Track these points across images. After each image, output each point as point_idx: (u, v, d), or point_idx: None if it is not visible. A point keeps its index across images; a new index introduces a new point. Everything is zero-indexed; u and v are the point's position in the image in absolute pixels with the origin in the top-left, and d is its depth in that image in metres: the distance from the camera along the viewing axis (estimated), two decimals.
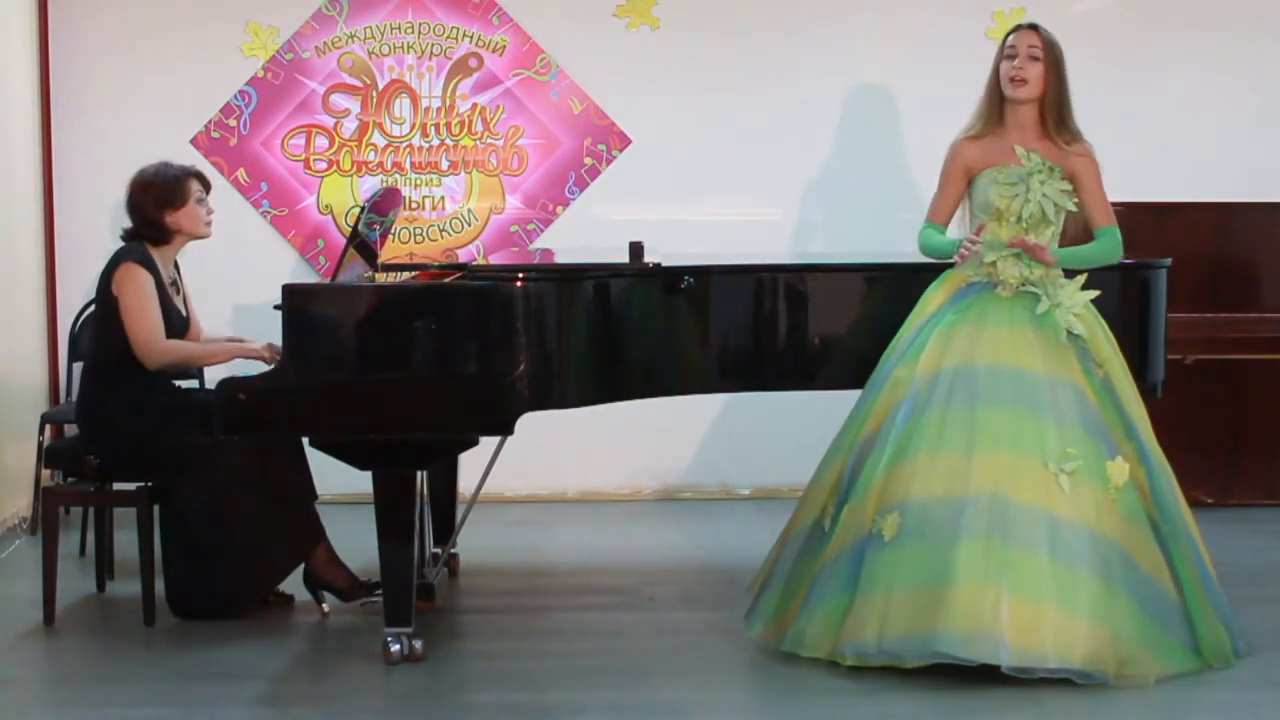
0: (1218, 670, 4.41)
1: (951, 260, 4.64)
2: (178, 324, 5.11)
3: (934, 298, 4.68)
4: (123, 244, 5.12)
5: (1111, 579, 4.28)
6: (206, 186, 5.20)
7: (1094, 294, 4.59)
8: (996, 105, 4.68)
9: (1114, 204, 6.73)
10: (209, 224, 5.18)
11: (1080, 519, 4.30)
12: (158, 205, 5.07)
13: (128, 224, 5.14)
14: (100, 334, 5.13)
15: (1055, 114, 4.64)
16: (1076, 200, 4.64)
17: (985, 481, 4.30)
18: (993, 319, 4.53)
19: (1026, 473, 4.32)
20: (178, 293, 5.19)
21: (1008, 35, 4.70)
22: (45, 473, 5.86)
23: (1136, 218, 6.56)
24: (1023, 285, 4.57)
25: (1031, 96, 4.63)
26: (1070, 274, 4.64)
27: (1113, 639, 4.24)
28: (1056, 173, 4.61)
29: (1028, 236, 4.56)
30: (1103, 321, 4.63)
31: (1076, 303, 4.56)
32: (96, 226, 6.73)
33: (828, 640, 4.38)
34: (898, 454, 4.43)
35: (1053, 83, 4.63)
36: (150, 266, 5.03)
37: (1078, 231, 4.72)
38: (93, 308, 6.38)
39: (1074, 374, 4.49)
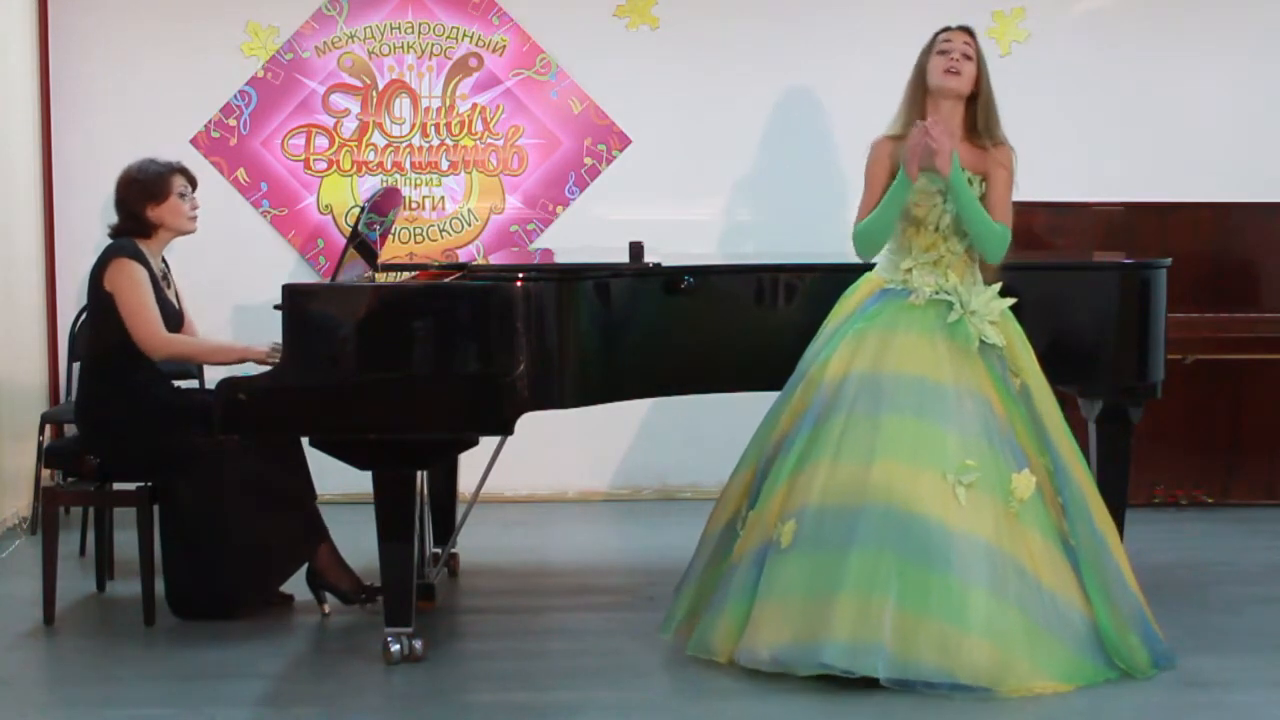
0: (1139, 680, 4.35)
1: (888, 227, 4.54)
2: (172, 317, 5.10)
3: (849, 302, 4.62)
4: (109, 238, 5.12)
5: (1004, 594, 4.21)
6: (192, 182, 5.18)
7: (1009, 302, 4.51)
8: (920, 104, 4.60)
9: (1114, 204, 6.77)
10: (194, 219, 5.16)
11: (975, 532, 4.24)
12: (140, 199, 5.07)
13: (115, 221, 5.14)
14: (96, 333, 5.11)
15: (985, 116, 4.57)
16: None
17: (881, 491, 4.26)
18: (903, 326, 4.46)
19: (924, 484, 4.26)
20: (169, 286, 5.19)
21: (938, 34, 4.62)
22: (45, 473, 5.86)
23: (1136, 218, 6.59)
24: (936, 293, 4.50)
25: (963, 91, 4.55)
26: (987, 279, 4.56)
27: (1001, 653, 4.17)
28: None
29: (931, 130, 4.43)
30: (1020, 331, 4.55)
31: (991, 311, 4.47)
32: (96, 227, 6.70)
33: (729, 646, 4.37)
34: (801, 460, 4.41)
35: (984, 86, 4.58)
36: (140, 259, 5.02)
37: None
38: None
39: (983, 385, 4.42)
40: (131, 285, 4.96)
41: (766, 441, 4.58)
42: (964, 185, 4.47)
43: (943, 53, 4.57)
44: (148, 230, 5.09)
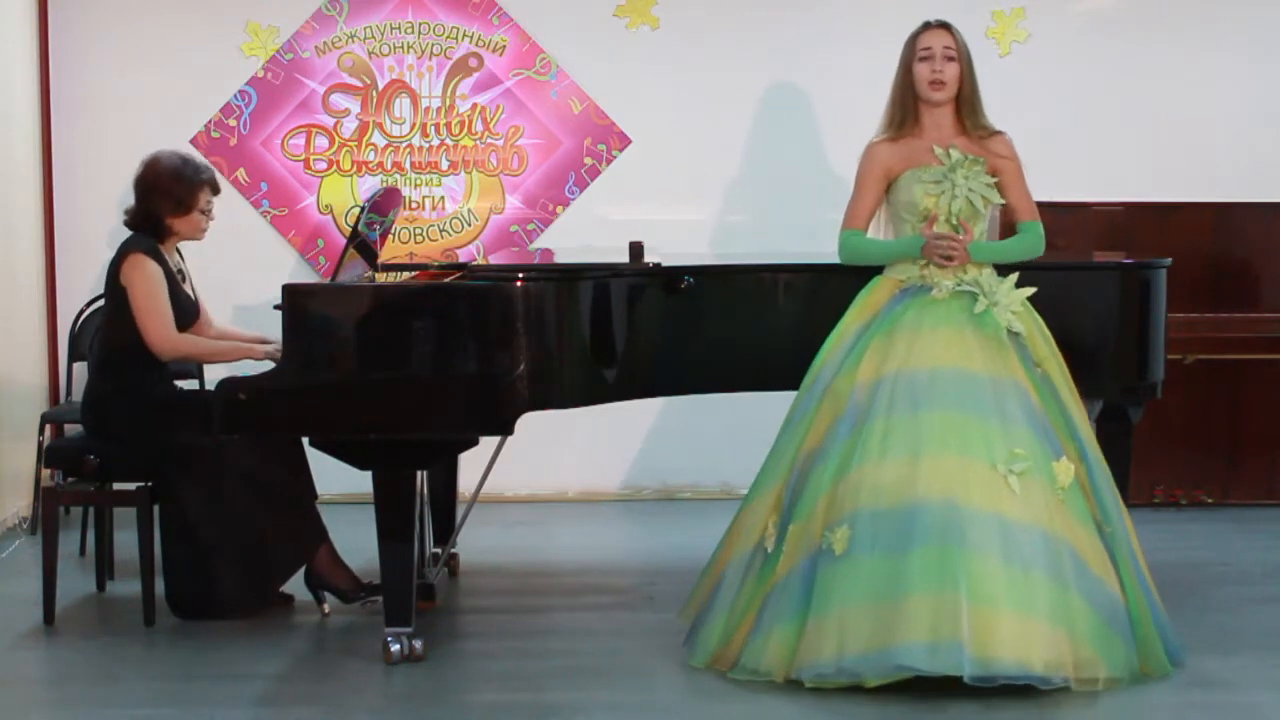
0: (1156, 679, 4.33)
1: (887, 263, 4.59)
2: (190, 311, 5.13)
3: (867, 304, 4.57)
4: (125, 226, 5.13)
5: (1065, 581, 4.19)
6: (216, 193, 5.22)
7: (1029, 291, 4.50)
8: (912, 107, 4.59)
9: (1115, 204, 6.77)
10: (205, 230, 5.20)
11: (1032, 520, 4.21)
12: (164, 204, 5.09)
13: (128, 217, 5.14)
14: (111, 326, 5.09)
15: (970, 110, 4.58)
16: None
17: (935, 488, 4.20)
18: (930, 322, 4.43)
19: (975, 476, 4.23)
20: (184, 279, 5.21)
21: (917, 35, 4.59)
22: (45, 473, 5.86)
23: (1136, 218, 6.60)
24: (958, 285, 4.48)
25: (950, 98, 4.56)
26: (1004, 271, 4.57)
27: (1070, 642, 4.15)
28: (980, 165, 4.54)
29: (951, 232, 4.49)
30: (1039, 319, 4.55)
31: (1013, 300, 4.47)
32: (97, 227, 6.73)
33: (783, 664, 4.27)
34: (842, 466, 4.33)
35: (967, 80, 4.57)
36: (157, 256, 5.04)
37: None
38: (93, 307, 6.43)
39: (1016, 373, 4.40)
40: (144, 282, 4.97)
41: (794, 454, 4.49)
42: (987, 250, 4.52)
43: (925, 59, 4.55)
44: (161, 234, 5.11)
